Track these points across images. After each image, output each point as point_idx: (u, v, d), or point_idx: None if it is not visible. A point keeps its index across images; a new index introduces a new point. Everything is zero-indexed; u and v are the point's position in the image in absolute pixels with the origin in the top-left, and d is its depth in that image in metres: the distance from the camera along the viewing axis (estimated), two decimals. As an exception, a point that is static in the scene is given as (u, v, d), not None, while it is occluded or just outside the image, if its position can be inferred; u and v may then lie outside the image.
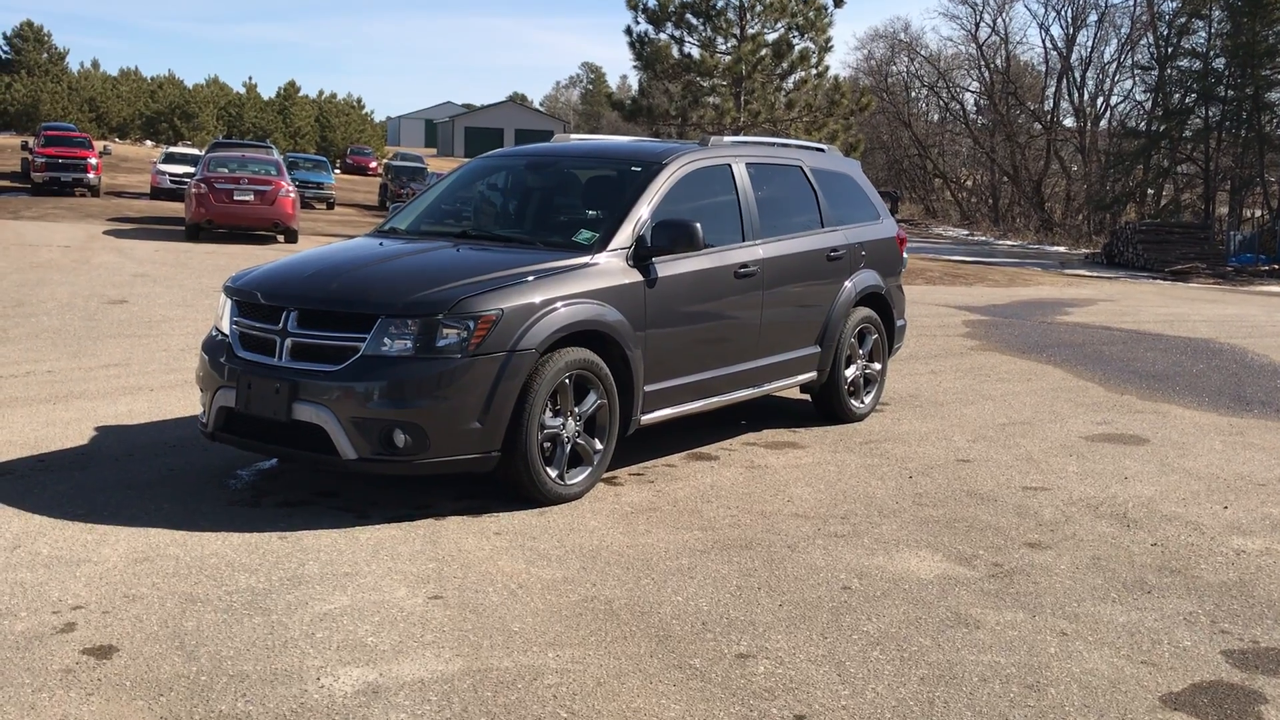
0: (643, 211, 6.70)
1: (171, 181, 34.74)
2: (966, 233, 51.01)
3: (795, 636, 4.45)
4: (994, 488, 6.74)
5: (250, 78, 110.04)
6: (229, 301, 6.34)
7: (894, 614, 4.72)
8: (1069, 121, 59.52)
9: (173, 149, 42.76)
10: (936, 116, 65.53)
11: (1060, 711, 3.89)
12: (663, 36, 28.64)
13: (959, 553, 5.53)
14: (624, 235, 6.56)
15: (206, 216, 22.89)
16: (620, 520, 5.87)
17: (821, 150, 8.87)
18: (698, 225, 6.57)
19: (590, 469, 6.26)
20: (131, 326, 11.77)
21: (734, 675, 4.10)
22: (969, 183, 64.37)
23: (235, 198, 22.91)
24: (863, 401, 8.55)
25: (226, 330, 6.26)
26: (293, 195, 23.74)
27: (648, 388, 6.59)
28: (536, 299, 5.94)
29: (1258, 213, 47.44)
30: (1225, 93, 45.14)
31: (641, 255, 6.56)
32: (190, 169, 32.85)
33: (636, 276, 6.51)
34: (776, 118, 28.42)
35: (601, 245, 6.49)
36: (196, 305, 13.52)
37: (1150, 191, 51.77)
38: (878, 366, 8.70)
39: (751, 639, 4.42)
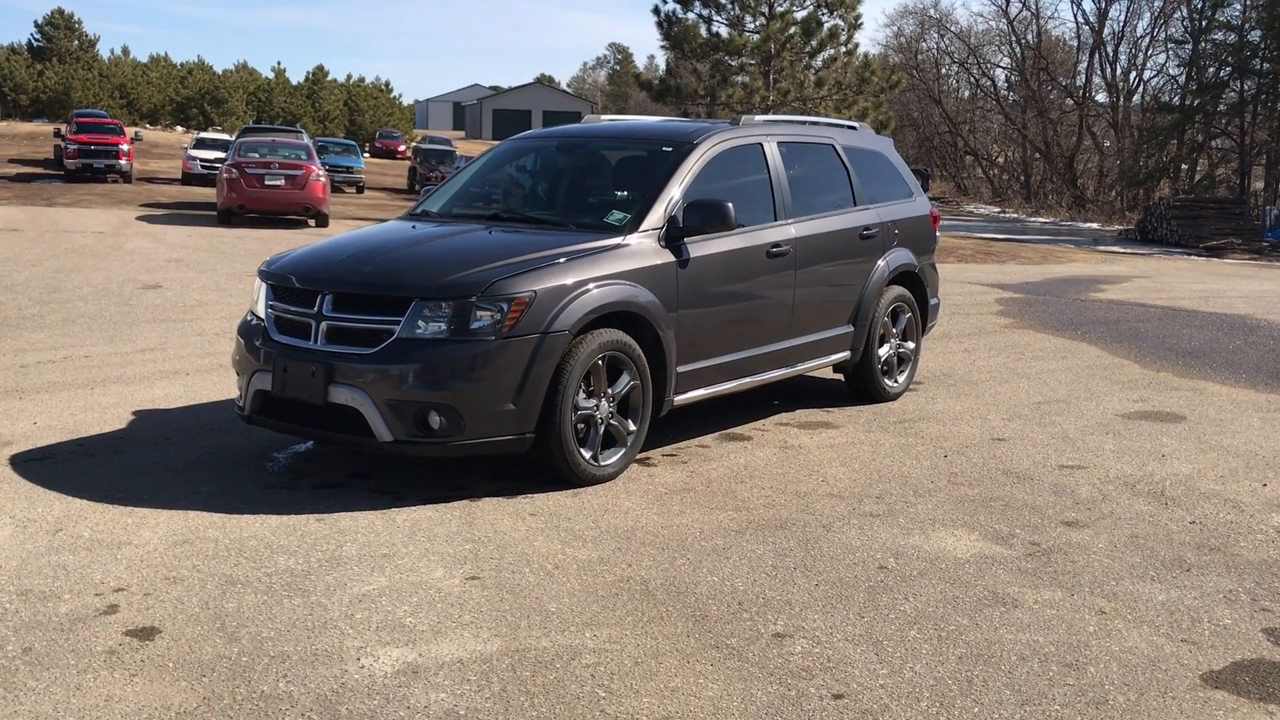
0: (674, 192, 6.69)
1: (202, 167, 34.95)
2: (998, 210, 50.65)
3: (832, 616, 4.45)
4: (1030, 466, 6.70)
5: (279, 62, 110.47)
6: (264, 286, 6.37)
7: (931, 593, 4.70)
8: (1101, 97, 58.87)
9: (203, 134, 42.97)
10: (967, 93, 64.98)
11: (1100, 690, 3.87)
12: (691, 15, 28.55)
13: (996, 532, 5.50)
14: (656, 216, 6.56)
15: (238, 201, 23.02)
16: (654, 501, 5.87)
17: (854, 128, 8.83)
18: (730, 205, 6.55)
19: (624, 450, 6.27)
20: (166, 311, 11.86)
21: (771, 655, 4.10)
22: (1000, 159, 63.83)
23: (266, 182, 23.02)
24: (896, 381, 8.53)
25: (262, 314, 6.29)
26: (323, 179, 23.84)
27: (680, 368, 6.59)
28: (569, 280, 5.94)
29: (1294, 187, 46.80)
30: (1261, 66, 44.54)
31: (673, 236, 6.56)
32: (221, 154, 33.01)
33: (669, 257, 6.50)
34: (806, 96, 28.27)
35: (633, 226, 6.49)
36: (230, 289, 13.61)
37: (1184, 167, 51.20)
38: (911, 345, 8.66)
39: (788, 618, 4.42)
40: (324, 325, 5.92)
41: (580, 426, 6.04)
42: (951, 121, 60.89)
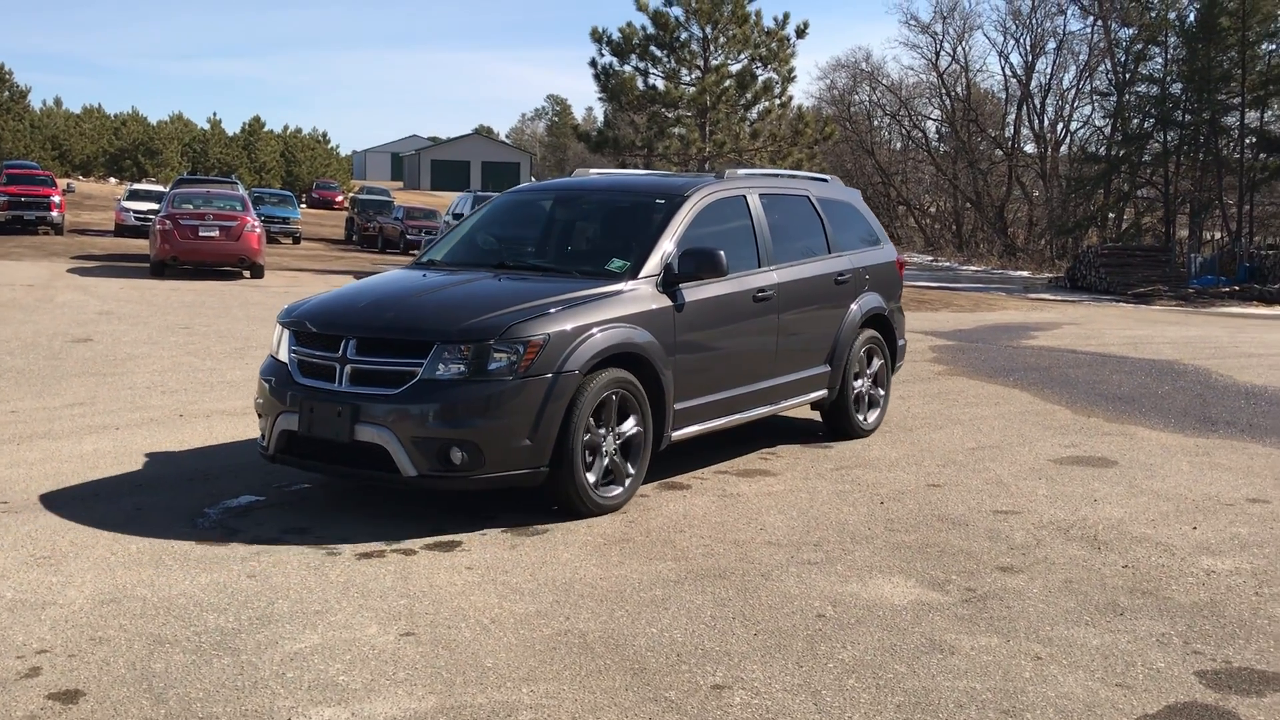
0: (670, 241, 7.15)
1: (136, 218, 34.53)
2: (931, 259, 51.38)
3: (771, 666, 4.44)
4: (965, 512, 6.75)
5: (215, 114, 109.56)
6: (286, 332, 6.71)
7: (869, 641, 4.71)
8: (1030, 148, 60.15)
9: (137, 186, 42.53)
10: (899, 144, 66.07)
11: (1036, 736, 3.89)
12: (627, 68, 28.76)
13: (932, 578, 5.53)
14: (653, 263, 6.99)
15: (172, 253, 22.74)
16: (593, 552, 5.84)
17: (825, 180, 9.41)
18: (722, 253, 7.01)
19: (629, 480, 6.65)
20: (96, 365, 11.65)
21: (710, 707, 4.07)
22: (932, 209, 64.87)
23: (200, 234, 22.77)
24: (869, 418, 8.96)
25: (285, 359, 6.63)
26: (258, 230, 23.62)
27: (677, 406, 6.99)
28: (578, 324, 6.35)
29: (1217, 235, 48.05)
30: (1183, 117, 45.80)
31: (670, 282, 7.00)
32: (154, 206, 32.65)
33: (666, 301, 6.94)
34: (741, 148, 28.56)
35: (633, 273, 6.92)
36: (162, 342, 13.41)
37: (1111, 215, 52.35)
38: (883, 383, 9.18)
39: (727, 669, 4.39)
40: (348, 368, 6.27)
41: (589, 459, 6.41)
42: (884, 172, 61.84)
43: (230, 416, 9.10)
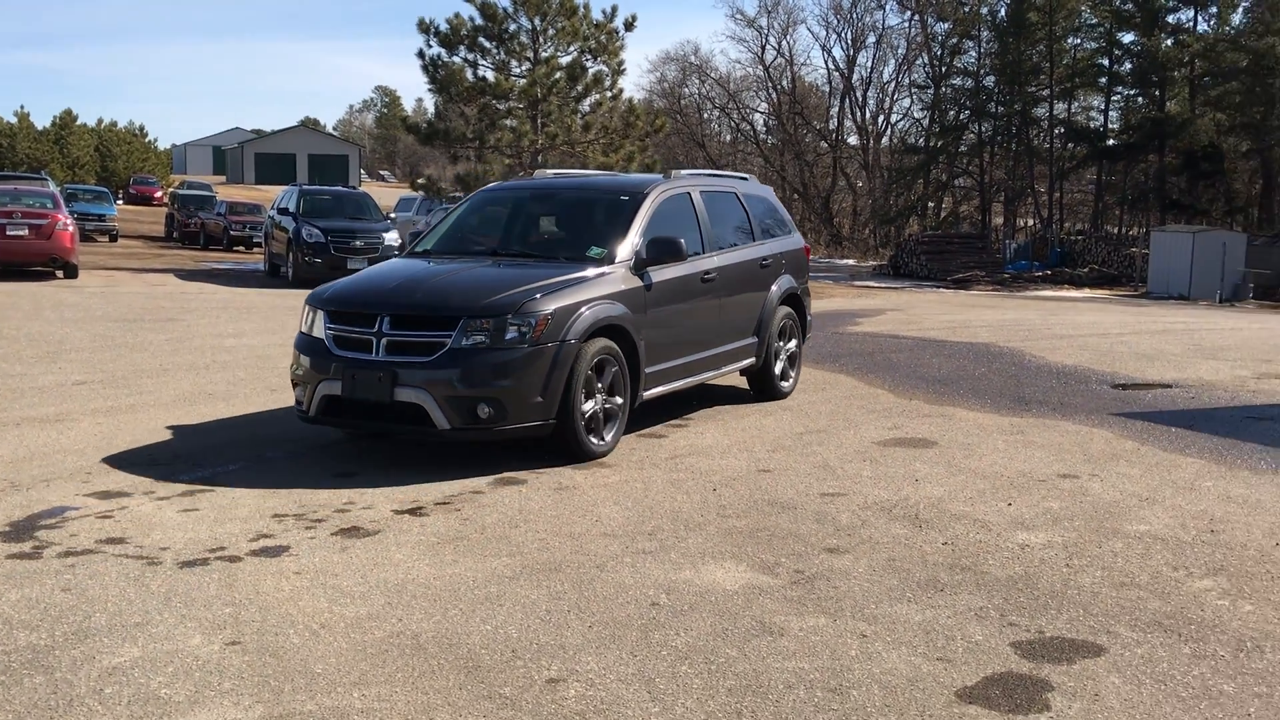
0: (638, 231, 8.44)
1: (-64, 217, 32.62)
2: (762, 248, 52.33)
3: (605, 657, 4.46)
4: (793, 496, 6.90)
5: (22, 106, 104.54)
6: (320, 312, 7.73)
7: (701, 627, 4.78)
8: (853, 139, 61.81)
9: (-64, 182, 40.18)
10: (729, 137, 67.11)
11: (862, 713, 4.00)
12: (456, 60, 28.46)
13: (762, 561, 5.64)
14: (626, 250, 8.29)
15: (-23, 253, 21.56)
16: (426, 551, 5.77)
17: (746, 179, 10.93)
18: (683, 241, 8.43)
19: (613, 431, 7.91)
20: (-108, 373, 10.97)
21: (545, 701, 4.07)
22: (763, 200, 66.04)
23: (8, 233, 21.65)
24: (786, 382, 10.39)
25: (320, 335, 7.66)
26: (71, 228, 22.59)
27: (647, 370, 8.23)
28: (574, 301, 7.55)
29: (1030, 222, 50.18)
30: (996, 109, 47.70)
31: (640, 265, 8.27)
32: (-44, 203, 30.90)
33: (637, 282, 8.22)
34: (574, 140, 28.60)
35: (610, 259, 8.19)
36: (-34, 348, 12.72)
37: (931, 204, 54.19)
38: (796, 352, 10.56)
39: (562, 663, 4.40)
40: (384, 341, 7.35)
41: (585, 414, 7.57)
42: (715, 164, 62.66)
43: (42, 424, 8.70)
